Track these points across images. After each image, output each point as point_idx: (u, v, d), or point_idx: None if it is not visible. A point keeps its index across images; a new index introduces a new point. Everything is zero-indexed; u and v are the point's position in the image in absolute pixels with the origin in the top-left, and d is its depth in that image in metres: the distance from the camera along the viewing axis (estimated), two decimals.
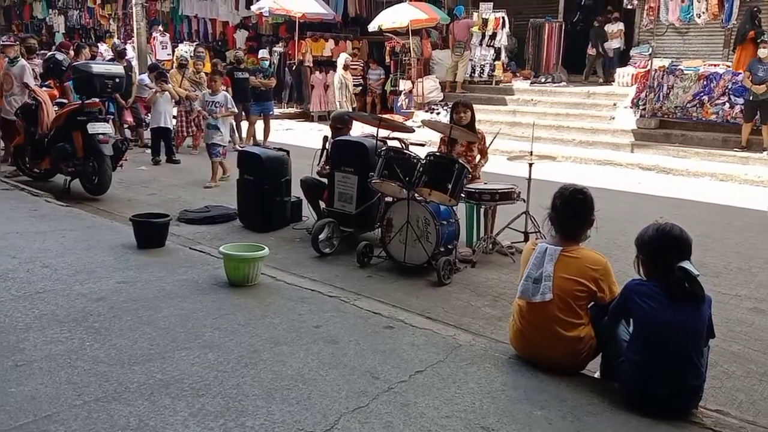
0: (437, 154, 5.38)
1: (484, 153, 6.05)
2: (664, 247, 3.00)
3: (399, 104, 15.83)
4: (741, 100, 11.22)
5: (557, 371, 3.26)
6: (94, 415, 2.70)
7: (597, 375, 3.39)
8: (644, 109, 12.31)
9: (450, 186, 4.99)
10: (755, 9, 12.01)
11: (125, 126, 11.33)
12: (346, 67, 13.78)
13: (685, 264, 2.93)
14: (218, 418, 2.72)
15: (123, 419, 2.68)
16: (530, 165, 5.81)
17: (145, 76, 11.25)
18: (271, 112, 12.43)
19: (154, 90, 10.22)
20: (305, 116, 17.16)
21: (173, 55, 17.65)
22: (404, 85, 15.80)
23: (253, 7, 16.96)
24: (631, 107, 12.61)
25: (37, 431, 2.57)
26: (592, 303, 3.31)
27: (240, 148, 9.06)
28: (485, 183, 5.86)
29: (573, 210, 3.35)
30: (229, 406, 2.82)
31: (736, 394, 3.46)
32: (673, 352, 2.90)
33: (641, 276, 3.11)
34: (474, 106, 6.11)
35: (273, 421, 2.71)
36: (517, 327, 3.41)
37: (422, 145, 10.78)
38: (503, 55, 15.51)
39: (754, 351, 4.00)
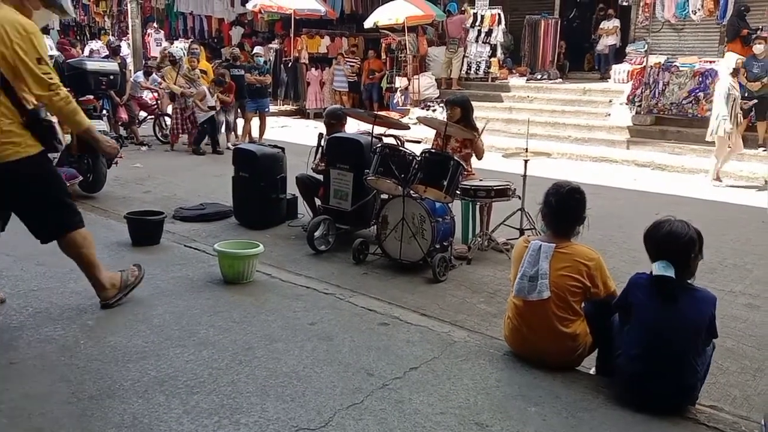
0: (432, 150, 5.37)
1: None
2: (653, 242, 3.02)
3: (395, 101, 15.82)
4: None
5: (552, 368, 3.26)
6: (89, 413, 2.69)
7: (592, 371, 3.39)
8: (640, 106, 12.32)
9: (445, 183, 4.98)
10: (743, 8, 12.10)
11: (120, 123, 11.31)
12: (735, 73, 9.86)
13: (657, 264, 2.94)
14: (212, 416, 2.71)
15: (117, 416, 2.68)
16: (526, 162, 5.81)
17: (140, 74, 11.22)
18: (266, 109, 12.41)
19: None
20: (301, 113, 17.14)
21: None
22: (400, 82, 15.78)
23: (248, 5, 16.92)
24: (626, 104, 12.61)
25: (32, 429, 2.57)
26: (588, 300, 3.31)
27: (235, 145, 9.04)
28: (480, 180, 5.85)
29: (566, 207, 3.35)
30: (224, 404, 2.81)
31: (731, 389, 3.47)
32: (665, 347, 2.91)
33: None
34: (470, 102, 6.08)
35: (267, 419, 2.71)
36: (513, 325, 3.40)
37: (418, 142, 10.83)
38: (499, 51, 15.50)
39: (749, 347, 4.01)
